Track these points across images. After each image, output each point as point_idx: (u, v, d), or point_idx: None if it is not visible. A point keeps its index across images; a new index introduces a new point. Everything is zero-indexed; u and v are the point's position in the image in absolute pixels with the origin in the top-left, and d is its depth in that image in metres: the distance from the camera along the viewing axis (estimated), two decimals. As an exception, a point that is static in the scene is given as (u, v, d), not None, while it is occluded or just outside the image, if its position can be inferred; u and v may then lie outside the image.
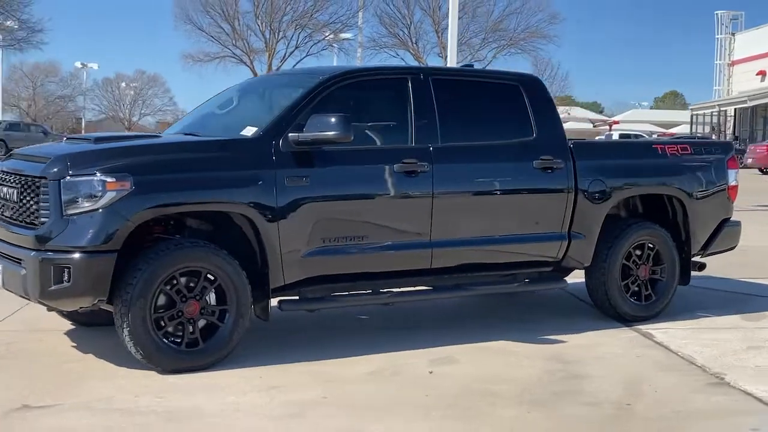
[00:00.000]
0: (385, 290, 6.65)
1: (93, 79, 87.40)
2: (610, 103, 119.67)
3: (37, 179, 5.76)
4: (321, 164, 6.23)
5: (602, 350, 6.63)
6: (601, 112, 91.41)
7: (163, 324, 5.75)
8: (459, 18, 54.41)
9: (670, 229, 7.85)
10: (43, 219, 5.68)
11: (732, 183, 8.10)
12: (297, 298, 6.34)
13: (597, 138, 43.06)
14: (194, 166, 5.93)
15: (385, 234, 6.50)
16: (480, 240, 6.89)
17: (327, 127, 6.04)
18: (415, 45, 53.75)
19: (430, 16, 53.92)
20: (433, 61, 55.09)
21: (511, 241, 7.03)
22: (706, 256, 8.16)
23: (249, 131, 6.25)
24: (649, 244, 7.68)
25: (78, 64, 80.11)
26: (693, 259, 8.06)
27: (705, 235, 7.97)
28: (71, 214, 5.58)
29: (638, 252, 7.61)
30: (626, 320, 7.53)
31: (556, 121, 7.32)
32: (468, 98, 7.10)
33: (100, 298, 5.64)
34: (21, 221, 5.89)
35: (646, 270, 7.65)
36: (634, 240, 7.56)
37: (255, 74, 53.07)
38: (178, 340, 5.82)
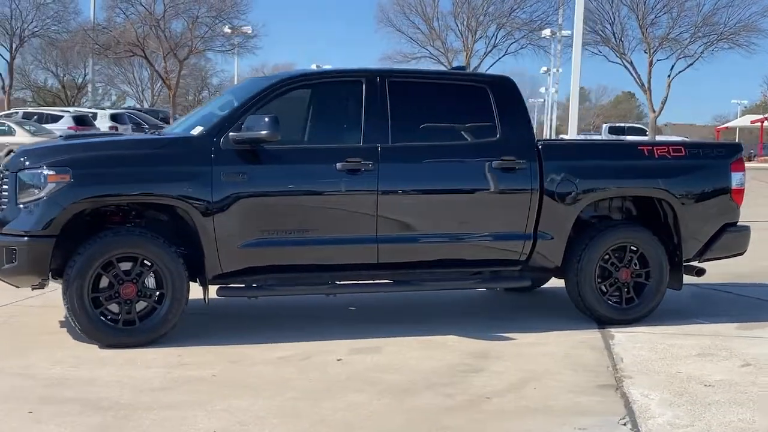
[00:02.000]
0: (329, 282, 7.01)
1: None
2: None
3: (4, 171, 6.57)
4: (260, 162, 6.66)
5: (537, 349, 6.66)
6: None
7: (101, 302, 6.40)
8: (667, 12, 52.82)
9: (663, 232, 7.69)
10: (3, 206, 6.49)
11: (736, 186, 7.79)
12: (234, 285, 6.80)
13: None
14: (134, 161, 6.55)
15: (329, 228, 6.84)
16: (431, 237, 7.07)
17: (258, 127, 6.49)
18: (619, 41, 52.37)
19: (635, 12, 52.33)
20: (636, 58, 53.51)
21: (465, 239, 7.15)
22: (704, 262, 7.90)
23: (197, 130, 6.80)
24: (632, 247, 7.56)
25: (314, 66, 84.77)
26: (692, 263, 7.87)
27: (701, 240, 7.72)
28: (23, 203, 6.35)
29: (619, 254, 7.52)
30: (604, 322, 7.47)
31: (525, 123, 7.37)
32: (428, 100, 7.30)
33: (42, 277, 6.38)
34: None
35: (628, 273, 7.53)
36: (612, 242, 7.48)
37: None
38: (117, 318, 6.46)
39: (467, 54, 52.45)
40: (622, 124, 59.26)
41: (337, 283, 7.06)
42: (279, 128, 6.50)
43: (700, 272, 7.87)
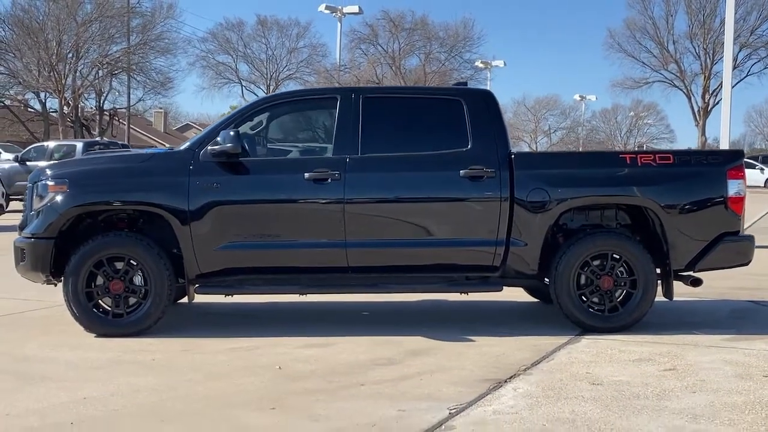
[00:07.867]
0: (304, 283, 7.61)
1: (591, 110, 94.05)
2: None
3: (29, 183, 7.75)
4: (233, 172, 7.38)
5: (479, 349, 6.88)
6: None
7: (94, 296, 7.36)
8: None
9: (654, 241, 7.63)
10: (25, 212, 7.64)
11: (734, 194, 7.57)
12: (211, 284, 7.53)
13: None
14: (120, 174, 7.48)
15: (298, 233, 7.42)
16: (399, 243, 7.45)
17: (225, 141, 7.24)
18: None
19: None
20: None
21: (434, 245, 7.48)
22: (700, 272, 7.71)
23: (184, 145, 7.66)
24: (614, 255, 7.55)
25: (577, 97, 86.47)
26: (689, 273, 7.72)
27: (693, 249, 7.56)
28: (35, 209, 7.46)
29: (599, 262, 7.55)
30: (587, 329, 7.52)
31: (498, 133, 7.57)
32: (402, 114, 7.71)
33: (46, 274, 7.42)
34: None
35: (609, 281, 7.53)
36: (589, 249, 7.51)
37: (689, 97, 51.95)
38: (108, 310, 7.39)
39: (705, 76, 50.44)
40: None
41: (309, 284, 7.62)
42: (240, 141, 7.21)
43: (696, 282, 7.68)
